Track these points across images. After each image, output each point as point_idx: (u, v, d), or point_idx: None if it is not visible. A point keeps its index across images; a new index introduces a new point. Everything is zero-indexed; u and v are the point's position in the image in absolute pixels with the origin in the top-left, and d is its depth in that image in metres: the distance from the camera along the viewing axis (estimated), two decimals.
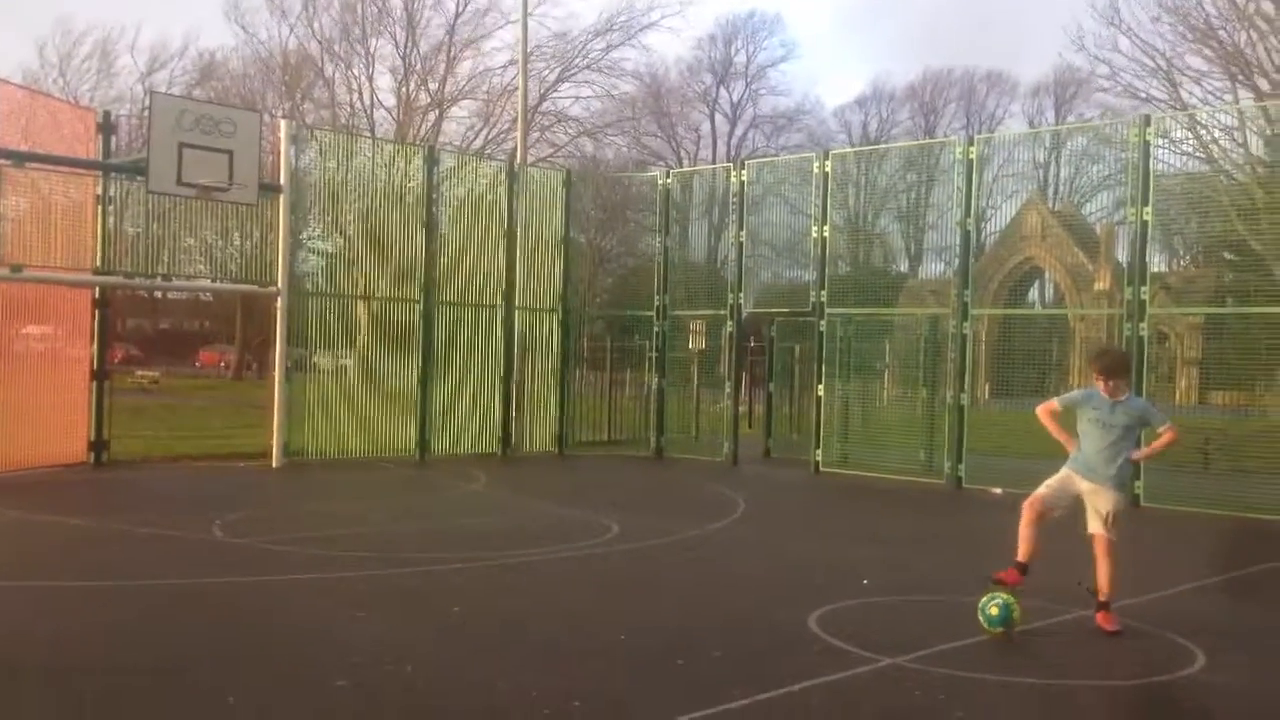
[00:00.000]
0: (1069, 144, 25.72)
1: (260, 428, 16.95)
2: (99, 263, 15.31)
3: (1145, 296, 14.17)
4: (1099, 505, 7.24)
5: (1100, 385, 7.33)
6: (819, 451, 17.15)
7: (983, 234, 17.89)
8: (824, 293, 17.13)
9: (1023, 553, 7.27)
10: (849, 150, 24.31)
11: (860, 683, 5.99)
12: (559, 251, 19.85)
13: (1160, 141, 14.71)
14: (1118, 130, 16.96)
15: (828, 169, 17.38)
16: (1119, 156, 16.23)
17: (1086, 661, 6.63)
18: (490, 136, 43.50)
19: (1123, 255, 15.94)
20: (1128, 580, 8.57)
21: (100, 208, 15.24)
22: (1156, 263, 15.87)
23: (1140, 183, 14.25)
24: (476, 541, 10.30)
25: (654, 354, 19.67)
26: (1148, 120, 14.76)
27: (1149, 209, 14.18)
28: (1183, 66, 35.49)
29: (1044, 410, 7.61)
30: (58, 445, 14.73)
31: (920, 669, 6.20)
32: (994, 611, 6.95)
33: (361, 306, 17.98)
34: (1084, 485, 7.30)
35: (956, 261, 16.11)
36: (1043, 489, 7.40)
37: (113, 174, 15.43)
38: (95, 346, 15.38)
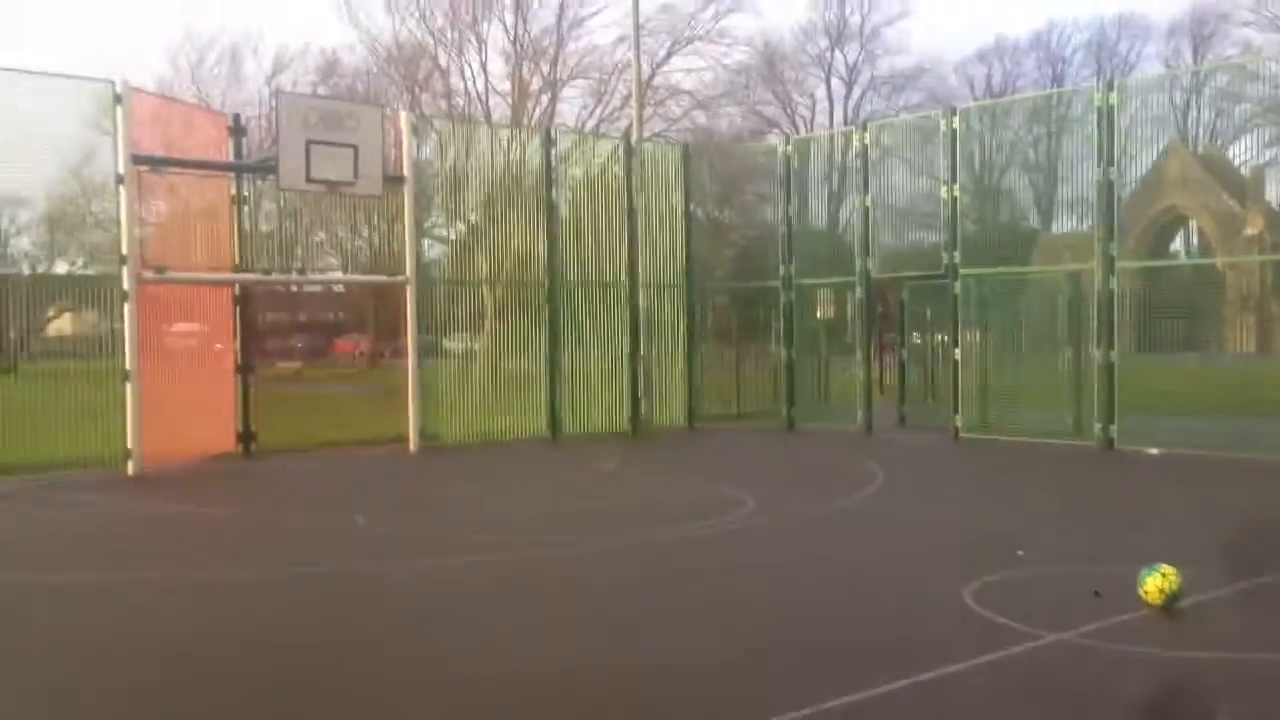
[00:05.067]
0: (1210, 84, 24.34)
1: (396, 414, 17.29)
2: (237, 260, 15.80)
3: None
4: None
5: None
6: (958, 416, 16.68)
7: (1122, 183, 17.07)
8: (957, 254, 16.61)
9: None
10: (974, 105, 23.53)
11: (1024, 660, 5.72)
12: (680, 227, 19.75)
13: None
14: (1264, 65, 15.96)
15: (955, 126, 16.81)
16: (1266, 94, 15.27)
17: (1260, 634, 6.21)
18: (604, 115, 43.49)
19: (1274, 198, 15.03)
20: None
21: (235, 208, 15.72)
22: None
23: None
24: (612, 521, 10.29)
25: (781, 324, 19.41)
26: None
27: None
28: None
29: None
30: (208, 437, 15.27)
31: (1089, 644, 5.89)
32: (1155, 583, 6.51)
33: (487, 290, 18.16)
34: None
35: (1093, 214, 15.41)
36: None
37: (245, 174, 15.90)
38: (238, 341, 15.91)
